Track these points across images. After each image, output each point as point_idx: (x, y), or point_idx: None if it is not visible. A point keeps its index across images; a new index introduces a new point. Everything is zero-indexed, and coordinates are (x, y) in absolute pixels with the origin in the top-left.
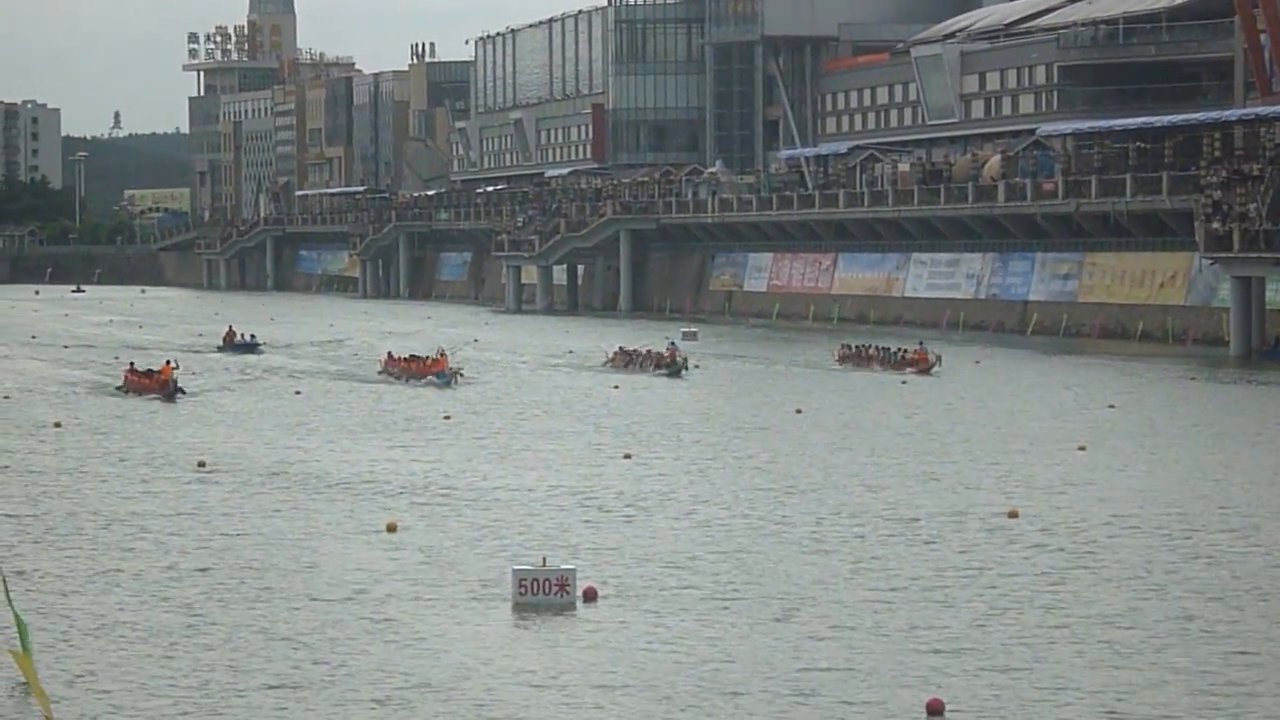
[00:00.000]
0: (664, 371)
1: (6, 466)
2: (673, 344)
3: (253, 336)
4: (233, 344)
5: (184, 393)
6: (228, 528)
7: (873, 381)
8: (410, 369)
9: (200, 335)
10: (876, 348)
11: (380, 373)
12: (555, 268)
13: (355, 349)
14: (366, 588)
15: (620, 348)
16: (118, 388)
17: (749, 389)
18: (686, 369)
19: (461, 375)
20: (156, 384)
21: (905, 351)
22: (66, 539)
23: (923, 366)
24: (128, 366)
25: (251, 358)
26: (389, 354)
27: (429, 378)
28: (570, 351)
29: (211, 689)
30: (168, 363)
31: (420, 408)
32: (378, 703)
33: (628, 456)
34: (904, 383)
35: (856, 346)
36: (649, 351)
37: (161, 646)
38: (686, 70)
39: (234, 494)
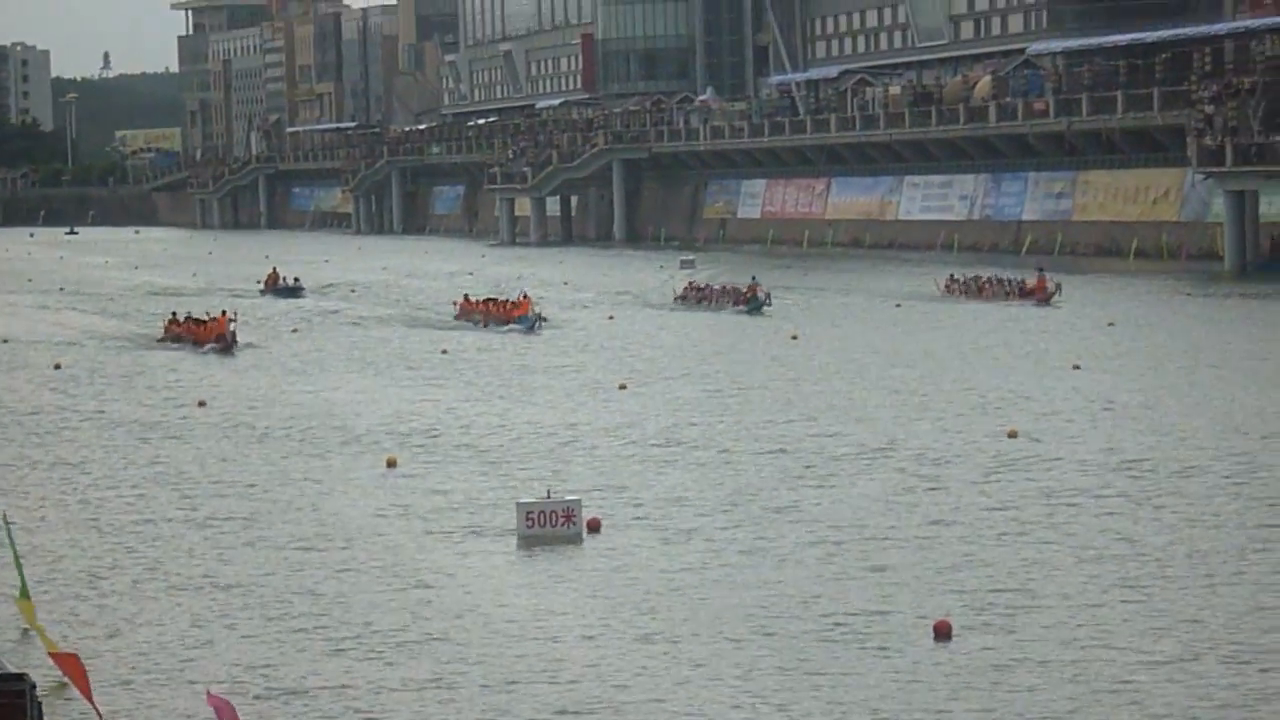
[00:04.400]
0: (743, 309)
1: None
2: (754, 279)
3: (296, 280)
4: (274, 287)
5: (238, 343)
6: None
7: (984, 313)
8: (490, 313)
9: (258, 282)
10: (990, 278)
11: (457, 317)
12: (549, 199)
13: (405, 290)
14: (370, 523)
15: (690, 283)
16: (159, 339)
17: (858, 331)
18: (769, 304)
19: (545, 319)
20: (211, 334)
21: (1024, 281)
22: (68, 483)
23: (1042, 296)
24: (169, 317)
25: (298, 302)
26: (465, 297)
27: (511, 323)
28: (627, 292)
29: (214, 629)
30: (224, 312)
31: (521, 357)
32: (386, 638)
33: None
34: (1110, 324)
35: (965, 278)
36: (725, 287)
37: (163, 587)
38: None
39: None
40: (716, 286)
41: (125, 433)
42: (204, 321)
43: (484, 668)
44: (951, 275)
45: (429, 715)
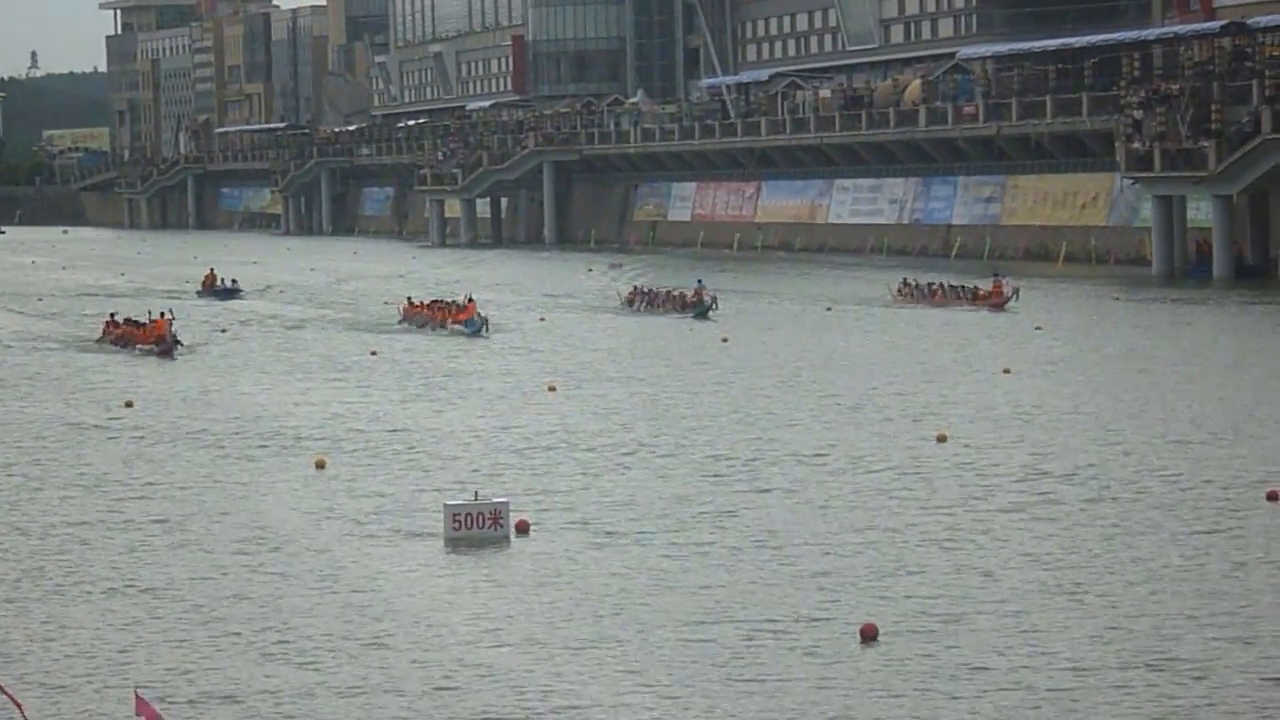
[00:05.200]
0: (690, 313)
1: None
2: (700, 283)
3: (234, 281)
4: (212, 289)
5: (181, 345)
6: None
7: (922, 318)
8: (435, 316)
9: (188, 282)
10: (943, 283)
11: (401, 321)
12: (478, 201)
13: (347, 293)
14: (298, 525)
15: (636, 287)
16: (97, 340)
17: (788, 335)
18: (716, 308)
19: (490, 321)
20: (150, 336)
21: (978, 287)
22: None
23: (997, 301)
24: (108, 318)
25: (234, 303)
26: (409, 300)
27: (456, 325)
28: (568, 295)
29: (139, 633)
30: (163, 314)
31: (469, 362)
32: (310, 641)
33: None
34: (1037, 328)
35: (919, 282)
36: (670, 292)
37: (88, 591)
38: (606, 0)
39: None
40: (662, 291)
41: (51, 434)
42: (143, 324)
43: (408, 671)
44: (904, 280)
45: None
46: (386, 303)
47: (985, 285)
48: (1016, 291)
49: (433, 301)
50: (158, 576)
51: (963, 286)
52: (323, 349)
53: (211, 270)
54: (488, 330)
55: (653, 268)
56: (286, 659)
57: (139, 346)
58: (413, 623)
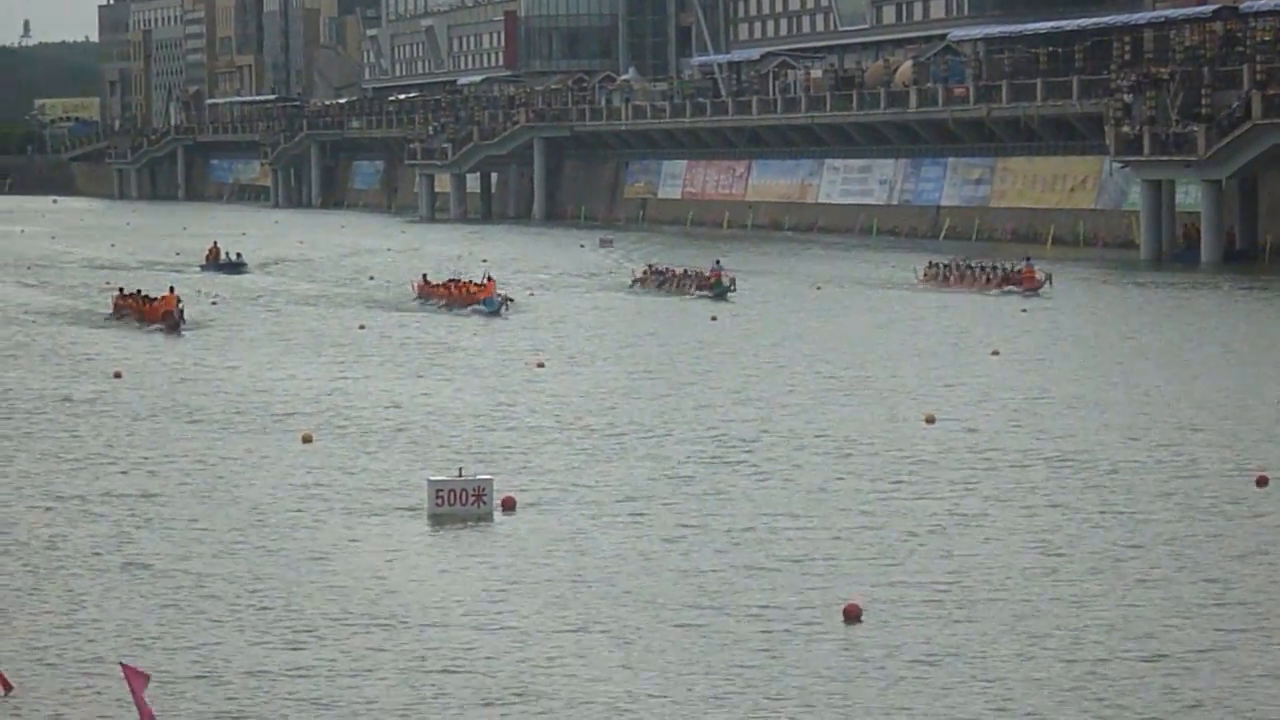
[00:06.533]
0: (707, 294)
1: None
2: (718, 263)
3: (239, 255)
4: (216, 263)
5: (186, 322)
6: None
7: (914, 300)
8: (453, 295)
9: (178, 254)
10: (974, 265)
11: (416, 299)
12: (469, 176)
13: (355, 268)
14: (280, 500)
15: (650, 266)
16: (107, 316)
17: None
18: (734, 289)
19: (511, 301)
20: (158, 312)
21: (1010, 268)
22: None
23: (1031, 285)
24: (117, 291)
25: (239, 278)
26: (424, 278)
27: (474, 305)
28: (590, 272)
29: (123, 606)
30: (171, 289)
31: (464, 338)
32: (293, 617)
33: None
34: (1023, 310)
35: (946, 264)
36: (687, 271)
37: (74, 564)
38: None
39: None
40: (678, 270)
41: (41, 405)
42: (152, 299)
43: (387, 645)
44: (930, 262)
45: (335, 697)
46: (374, 278)
47: (1019, 266)
48: (1049, 277)
49: (450, 280)
50: (139, 550)
51: (994, 268)
52: (331, 325)
53: (215, 244)
54: (508, 310)
55: (642, 245)
56: (267, 633)
57: (148, 324)
58: (390, 598)
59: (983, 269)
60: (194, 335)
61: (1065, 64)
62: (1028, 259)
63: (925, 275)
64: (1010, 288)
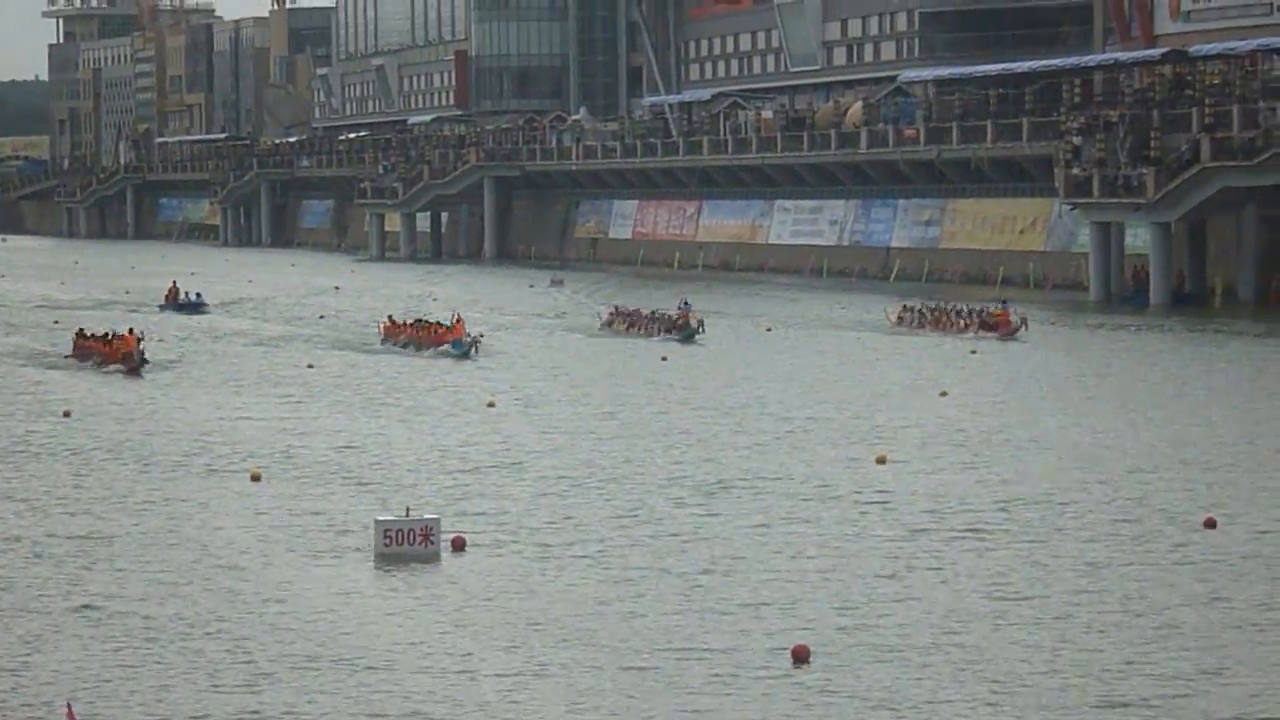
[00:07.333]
0: (675, 336)
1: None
2: (685, 303)
3: (199, 295)
4: (175, 302)
5: (148, 363)
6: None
7: (866, 343)
8: (420, 337)
9: (128, 293)
10: (949, 308)
11: (383, 342)
12: (419, 215)
13: (315, 309)
14: (227, 539)
15: (617, 308)
16: (66, 356)
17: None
18: (702, 332)
19: (480, 341)
20: (118, 353)
21: (986, 312)
22: None
23: (1007, 330)
24: (77, 331)
25: (199, 319)
26: (390, 319)
27: (443, 346)
28: (559, 313)
29: (68, 650)
30: (130, 330)
31: (415, 379)
32: (237, 657)
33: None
34: (973, 352)
35: (919, 307)
36: (655, 313)
37: (16, 608)
38: (550, 16)
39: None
40: (645, 313)
41: None
42: (110, 339)
43: (335, 687)
44: (904, 305)
45: None
46: (324, 317)
47: (994, 309)
48: (1024, 320)
49: (416, 321)
50: (85, 591)
51: (970, 311)
52: (288, 366)
53: (174, 283)
54: (477, 352)
55: (594, 285)
56: (216, 675)
57: (106, 365)
58: (339, 641)
59: (958, 313)
60: (151, 375)
61: (1015, 106)
62: (1004, 302)
63: (899, 318)
64: (985, 333)
